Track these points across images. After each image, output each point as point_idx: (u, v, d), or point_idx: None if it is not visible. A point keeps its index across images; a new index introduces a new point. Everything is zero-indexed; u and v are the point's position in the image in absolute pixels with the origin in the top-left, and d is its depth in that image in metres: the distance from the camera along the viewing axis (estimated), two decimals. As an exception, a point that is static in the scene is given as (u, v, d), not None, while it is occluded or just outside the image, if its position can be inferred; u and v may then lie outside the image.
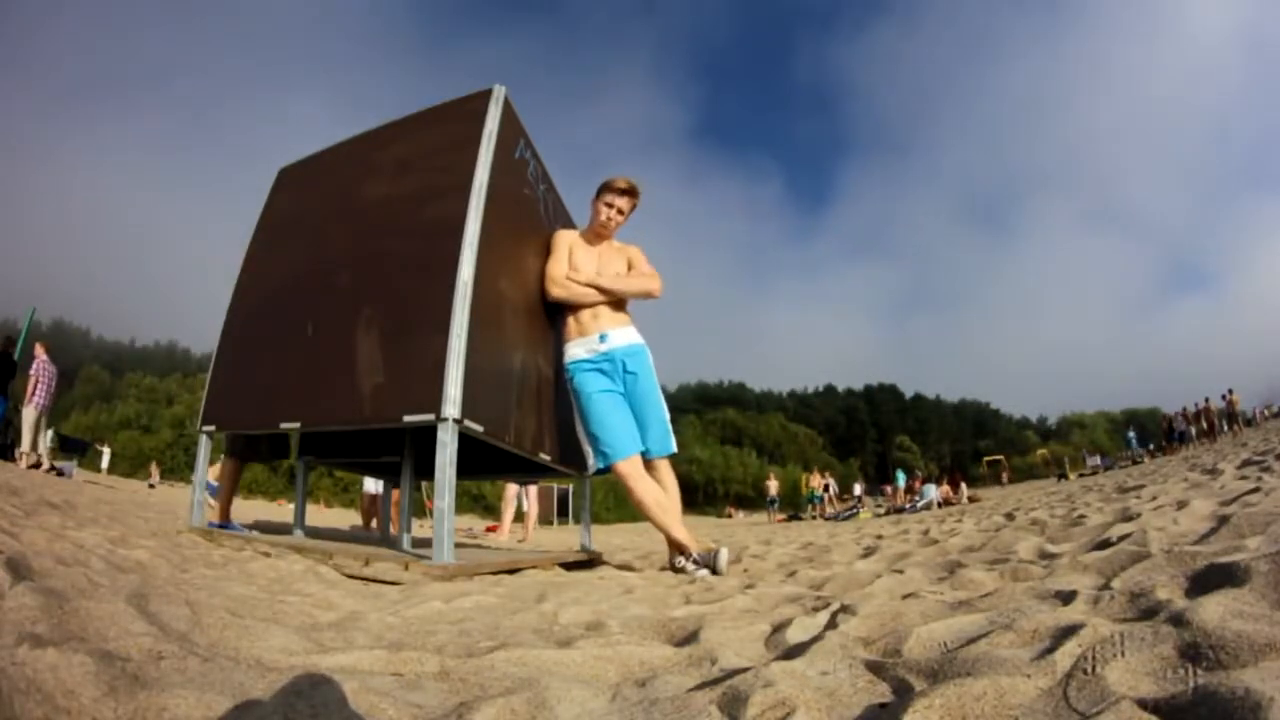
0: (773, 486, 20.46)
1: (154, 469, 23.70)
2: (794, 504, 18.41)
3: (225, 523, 3.07)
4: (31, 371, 7.38)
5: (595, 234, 2.54)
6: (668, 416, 2.49)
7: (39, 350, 7.50)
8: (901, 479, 19.32)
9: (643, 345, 2.50)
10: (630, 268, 2.54)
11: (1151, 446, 22.11)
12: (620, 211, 2.48)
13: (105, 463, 18.67)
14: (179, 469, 27.39)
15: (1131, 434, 23.07)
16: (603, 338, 2.42)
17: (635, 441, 2.36)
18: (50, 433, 11.64)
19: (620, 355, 2.42)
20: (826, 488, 20.26)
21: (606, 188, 2.48)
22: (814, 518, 16.96)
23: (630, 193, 2.48)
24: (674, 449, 2.46)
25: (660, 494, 2.34)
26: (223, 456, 3.23)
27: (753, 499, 40.92)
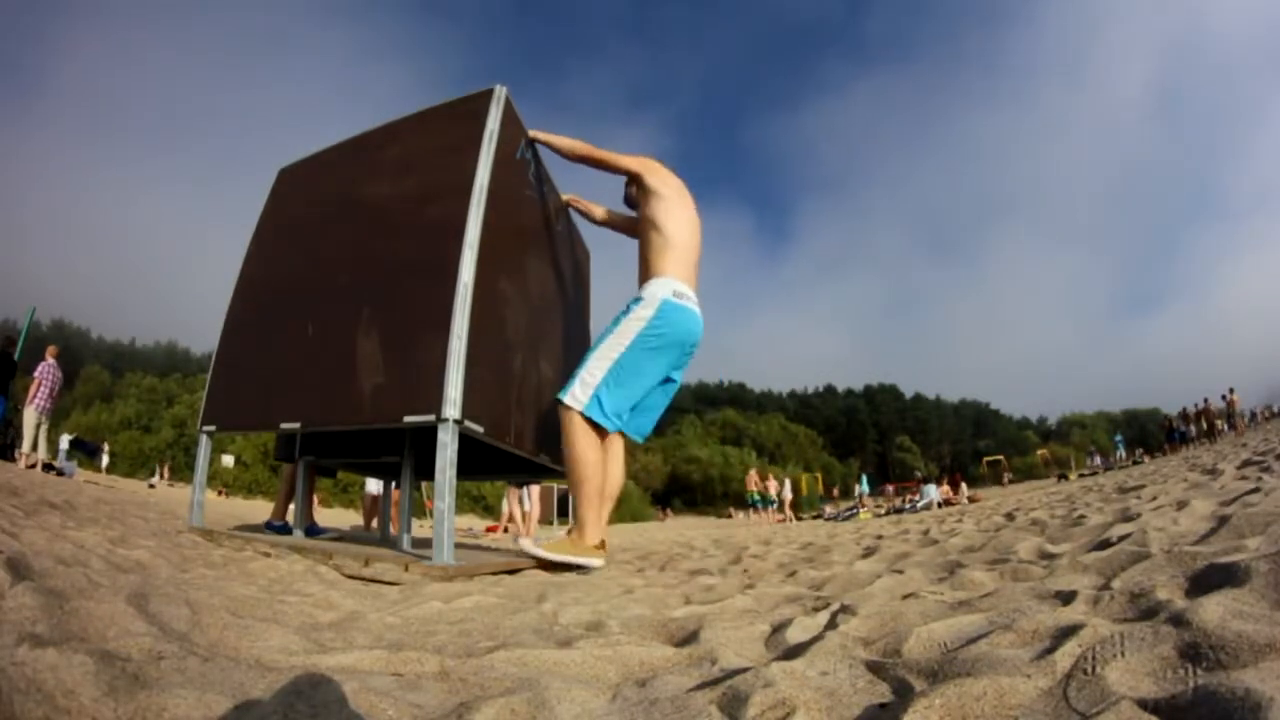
0: (773, 487, 20.44)
1: (163, 469, 23.83)
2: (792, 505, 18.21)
3: (269, 523, 3.15)
4: (36, 374, 7.43)
5: None
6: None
7: (48, 354, 7.57)
8: (866, 485, 19.17)
9: None
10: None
11: (1140, 451, 22.48)
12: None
13: (104, 462, 18.73)
14: (179, 469, 27.36)
15: (1119, 438, 23.60)
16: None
17: (621, 421, 2.19)
18: (65, 439, 11.76)
19: (700, 335, 2.25)
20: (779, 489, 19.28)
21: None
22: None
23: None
24: (646, 437, 2.36)
25: (602, 470, 2.16)
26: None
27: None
